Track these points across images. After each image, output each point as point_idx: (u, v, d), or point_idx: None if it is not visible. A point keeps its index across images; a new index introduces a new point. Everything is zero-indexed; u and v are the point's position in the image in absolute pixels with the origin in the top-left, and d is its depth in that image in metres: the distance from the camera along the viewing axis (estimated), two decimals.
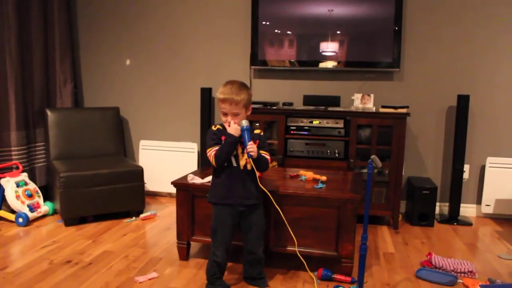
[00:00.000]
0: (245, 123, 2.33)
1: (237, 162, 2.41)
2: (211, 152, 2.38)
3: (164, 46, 4.48)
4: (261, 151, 2.41)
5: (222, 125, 2.44)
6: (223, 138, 2.40)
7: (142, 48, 4.53)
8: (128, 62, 4.58)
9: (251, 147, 2.30)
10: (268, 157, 2.46)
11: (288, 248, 2.73)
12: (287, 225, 2.54)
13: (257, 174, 2.45)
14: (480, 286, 2.22)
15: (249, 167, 2.41)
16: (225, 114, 2.38)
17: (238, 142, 2.36)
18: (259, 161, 2.38)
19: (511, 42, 3.85)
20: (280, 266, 2.82)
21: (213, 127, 2.45)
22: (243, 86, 2.39)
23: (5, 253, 3.03)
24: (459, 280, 2.68)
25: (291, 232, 2.55)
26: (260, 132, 2.49)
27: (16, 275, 2.67)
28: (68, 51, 4.42)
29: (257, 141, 2.42)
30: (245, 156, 2.38)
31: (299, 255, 2.57)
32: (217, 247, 2.47)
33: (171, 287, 2.56)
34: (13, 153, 3.88)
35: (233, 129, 2.33)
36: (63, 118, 4.10)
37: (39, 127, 4.17)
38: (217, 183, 2.47)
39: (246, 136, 2.32)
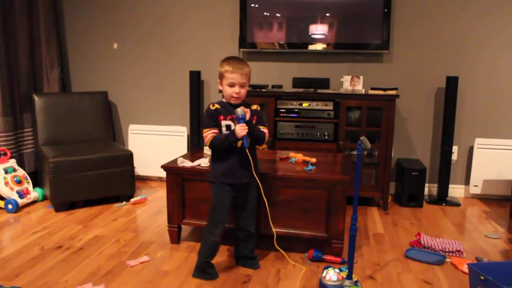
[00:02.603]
0: (240, 111, 2.33)
1: (237, 143, 2.40)
2: (208, 134, 2.39)
3: (152, 29, 4.42)
4: (259, 126, 2.46)
5: (220, 103, 2.45)
6: (221, 117, 2.40)
7: (129, 31, 4.47)
8: (115, 45, 4.53)
9: (240, 129, 2.32)
10: (265, 130, 2.48)
11: (278, 229, 2.74)
12: (268, 211, 2.53)
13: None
14: (467, 264, 2.25)
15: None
16: (232, 86, 2.37)
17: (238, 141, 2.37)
18: (254, 136, 2.41)
19: (499, 24, 3.86)
20: (271, 248, 2.83)
21: (211, 106, 2.44)
22: (244, 60, 2.45)
23: None
24: (447, 259, 2.72)
25: (270, 219, 2.56)
26: (257, 107, 2.51)
27: (7, 261, 2.66)
28: (53, 34, 4.34)
29: (255, 117, 2.46)
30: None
31: (278, 248, 2.59)
32: (217, 226, 2.46)
33: (163, 270, 2.57)
34: (0, 139, 3.84)
35: (239, 130, 2.31)
36: (50, 103, 4.06)
37: (26, 112, 4.12)
38: (218, 162, 2.47)
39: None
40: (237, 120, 2.34)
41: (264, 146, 3.78)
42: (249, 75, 2.43)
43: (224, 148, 2.40)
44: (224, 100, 2.47)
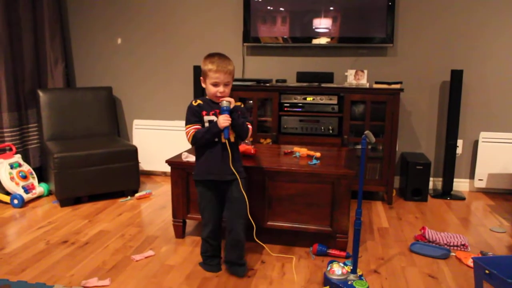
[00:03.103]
0: (225, 103, 2.30)
1: (219, 136, 2.36)
2: (190, 130, 2.36)
3: (156, 24, 4.42)
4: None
5: (203, 99, 2.42)
6: (203, 113, 2.37)
7: (133, 27, 4.47)
8: (119, 41, 4.53)
9: (224, 119, 2.28)
10: (249, 126, 2.42)
11: (282, 224, 2.75)
12: (247, 207, 2.49)
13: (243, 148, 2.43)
14: (472, 258, 2.25)
15: (232, 138, 2.38)
16: (216, 85, 2.34)
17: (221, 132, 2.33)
18: (238, 126, 2.36)
19: (504, 17, 3.83)
20: (275, 242, 2.84)
21: (193, 102, 2.40)
22: (228, 57, 2.40)
23: (1, 234, 3.04)
24: (452, 253, 2.72)
25: (252, 220, 2.54)
26: (241, 104, 2.48)
27: (13, 256, 2.68)
28: (58, 30, 4.35)
29: (239, 112, 2.39)
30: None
31: (257, 241, 2.59)
32: (206, 224, 2.49)
33: (168, 264, 2.58)
34: (5, 134, 3.86)
35: (222, 120, 2.28)
36: (55, 98, 4.06)
37: (31, 108, 4.14)
38: (200, 159, 2.45)
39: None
40: (221, 112, 2.31)
41: (269, 140, 3.78)
42: (233, 72, 2.38)
43: (206, 141, 2.35)
44: (207, 97, 2.43)
